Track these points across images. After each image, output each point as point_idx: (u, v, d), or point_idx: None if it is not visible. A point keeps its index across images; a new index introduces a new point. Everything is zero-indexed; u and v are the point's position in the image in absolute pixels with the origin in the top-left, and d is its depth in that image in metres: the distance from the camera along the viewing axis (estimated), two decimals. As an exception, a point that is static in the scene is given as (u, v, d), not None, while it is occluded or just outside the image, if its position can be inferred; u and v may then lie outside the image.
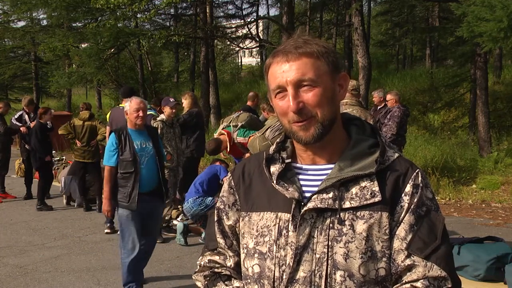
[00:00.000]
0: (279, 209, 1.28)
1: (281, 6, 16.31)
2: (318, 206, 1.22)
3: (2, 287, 4.91)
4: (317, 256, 1.22)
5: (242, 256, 1.35)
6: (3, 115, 9.28)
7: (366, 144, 1.29)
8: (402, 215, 1.23)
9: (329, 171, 1.28)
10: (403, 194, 1.24)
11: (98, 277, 5.11)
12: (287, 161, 1.33)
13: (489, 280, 4.02)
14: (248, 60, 34.98)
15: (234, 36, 16.89)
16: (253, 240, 1.31)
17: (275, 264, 1.26)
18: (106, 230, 6.75)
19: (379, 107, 8.80)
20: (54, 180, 9.12)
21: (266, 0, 25.23)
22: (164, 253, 5.84)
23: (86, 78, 16.35)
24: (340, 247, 1.20)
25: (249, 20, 18.50)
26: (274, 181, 1.29)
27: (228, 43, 21.66)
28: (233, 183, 1.41)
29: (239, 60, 32.12)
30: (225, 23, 21.84)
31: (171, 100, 6.66)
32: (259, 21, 24.22)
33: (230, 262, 1.40)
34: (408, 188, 1.24)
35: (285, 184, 1.28)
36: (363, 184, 1.23)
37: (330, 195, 1.23)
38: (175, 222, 6.68)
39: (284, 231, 1.25)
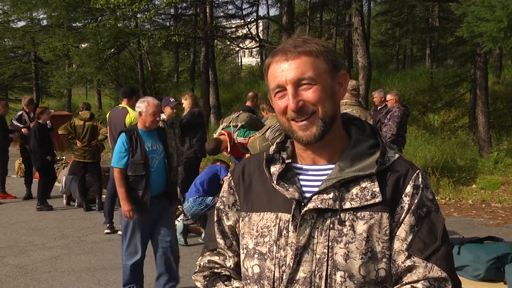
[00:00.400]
0: (279, 209, 1.28)
1: (281, 6, 16.32)
2: (319, 206, 1.22)
3: (2, 287, 4.91)
4: (317, 256, 1.21)
5: (242, 256, 1.35)
6: (3, 116, 9.27)
7: (366, 145, 1.29)
8: (403, 216, 1.23)
9: (329, 172, 1.27)
10: (403, 195, 1.24)
11: (98, 277, 5.11)
12: (287, 161, 1.33)
13: (489, 280, 4.01)
14: (248, 60, 34.96)
15: (234, 36, 16.89)
16: (253, 241, 1.31)
17: (275, 264, 1.25)
18: (106, 230, 6.74)
19: (379, 107, 8.81)
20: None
21: (266, 0, 25.27)
22: (164, 253, 5.83)
23: (86, 78, 16.35)
24: (340, 248, 1.20)
25: (249, 20, 18.50)
26: (274, 182, 1.29)
27: (228, 43, 21.66)
28: (233, 183, 1.41)
29: (239, 60, 32.11)
30: (225, 23, 21.84)
31: (172, 100, 6.66)
32: (259, 21, 24.22)
33: (229, 263, 1.40)
34: (408, 189, 1.24)
35: (285, 185, 1.28)
36: (363, 184, 1.23)
37: (331, 195, 1.23)
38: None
39: (284, 232, 1.25)
